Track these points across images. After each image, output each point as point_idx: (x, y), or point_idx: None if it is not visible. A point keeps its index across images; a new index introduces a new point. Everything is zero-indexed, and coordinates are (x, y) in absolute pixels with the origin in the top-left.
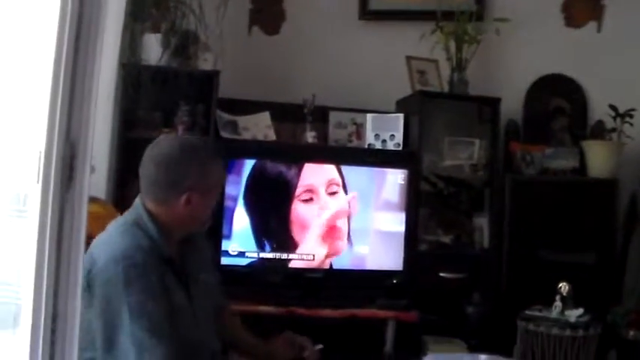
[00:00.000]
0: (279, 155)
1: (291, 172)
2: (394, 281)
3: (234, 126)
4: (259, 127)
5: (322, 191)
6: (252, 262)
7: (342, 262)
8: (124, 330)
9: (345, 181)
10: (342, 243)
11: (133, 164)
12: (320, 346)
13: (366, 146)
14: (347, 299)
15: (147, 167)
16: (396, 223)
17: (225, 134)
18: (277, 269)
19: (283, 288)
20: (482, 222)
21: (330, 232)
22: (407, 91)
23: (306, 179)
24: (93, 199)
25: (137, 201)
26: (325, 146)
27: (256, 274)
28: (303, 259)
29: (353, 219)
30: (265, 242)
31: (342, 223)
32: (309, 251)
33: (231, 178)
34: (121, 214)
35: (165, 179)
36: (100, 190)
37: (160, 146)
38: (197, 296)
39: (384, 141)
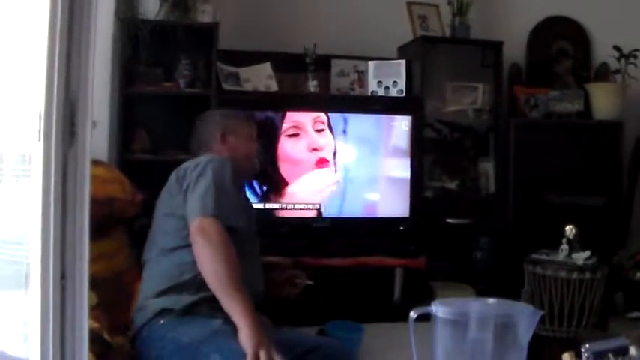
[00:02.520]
0: (281, 105)
1: (278, 115)
2: (401, 228)
3: (235, 78)
4: (260, 77)
5: (309, 128)
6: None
7: (348, 210)
8: (203, 183)
9: (330, 122)
10: (331, 176)
11: (135, 119)
12: (310, 282)
13: (369, 94)
14: (354, 247)
15: (196, 130)
16: (401, 170)
17: (226, 86)
18: (283, 220)
19: (290, 238)
20: (487, 167)
21: (320, 165)
22: (408, 37)
23: (292, 118)
24: (96, 162)
25: (213, 153)
26: (328, 95)
27: (262, 226)
28: (309, 209)
29: (355, 166)
30: (260, 188)
31: (330, 158)
32: (299, 189)
33: None
34: (126, 176)
35: (207, 130)
36: (102, 148)
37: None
38: (252, 221)
39: (386, 88)
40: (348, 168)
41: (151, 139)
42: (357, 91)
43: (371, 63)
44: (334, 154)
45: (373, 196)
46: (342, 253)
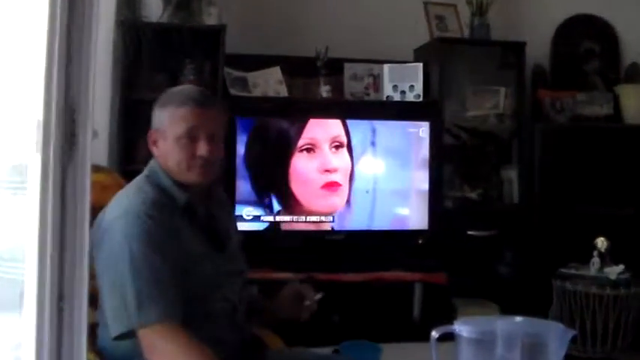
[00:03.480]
0: (291, 112)
1: (294, 127)
2: (420, 241)
3: (243, 83)
4: (270, 82)
5: (325, 146)
6: (267, 226)
7: (363, 223)
8: (125, 281)
9: (351, 138)
10: (340, 200)
11: (136, 128)
12: (319, 295)
13: (384, 98)
14: (370, 262)
15: None
16: (419, 179)
17: (234, 92)
18: (295, 233)
19: (302, 252)
20: (510, 175)
21: (329, 188)
22: (425, 39)
23: (310, 133)
24: (97, 168)
25: (152, 159)
26: (341, 100)
27: (273, 239)
28: (322, 222)
29: (370, 175)
30: (267, 201)
31: (343, 181)
32: (307, 205)
33: (243, 138)
34: (128, 182)
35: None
36: (102, 157)
37: None
38: (227, 250)
39: (402, 92)
40: (361, 178)
41: None
42: (372, 96)
43: (386, 66)
44: (350, 176)
45: (389, 208)
46: (357, 268)
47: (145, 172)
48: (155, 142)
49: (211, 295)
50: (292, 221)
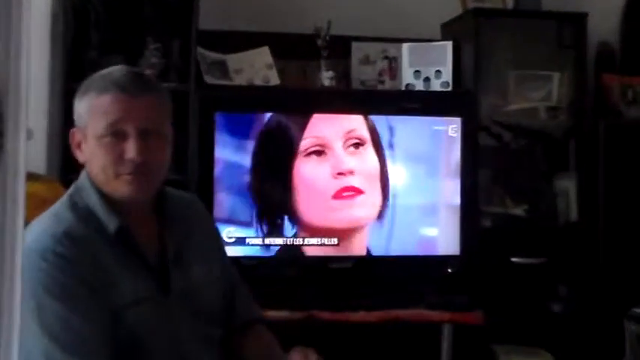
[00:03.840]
0: (284, 105)
1: (294, 125)
2: (449, 270)
3: (222, 68)
4: (256, 67)
5: (338, 145)
6: (256, 252)
7: (377, 247)
8: (35, 346)
9: (379, 134)
10: (364, 211)
11: None
12: None
13: (403, 88)
14: (386, 297)
15: None
16: (448, 190)
17: (210, 79)
18: (291, 259)
19: (301, 284)
20: (567, 186)
21: (343, 195)
22: (456, 11)
23: (315, 130)
24: (34, 177)
25: (84, 170)
26: (348, 90)
27: (263, 268)
28: (324, 245)
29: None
30: (265, 221)
31: (368, 190)
32: (318, 223)
33: (224, 139)
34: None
35: None
36: (40, 163)
37: None
38: (181, 293)
39: (426, 79)
40: None
41: None
42: (387, 85)
43: (405, 46)
44: (382, 181)
45: (410, 227)
46: (368, 304)
47: (72, 188)
48: (79, 145)
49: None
50: (287, 244)
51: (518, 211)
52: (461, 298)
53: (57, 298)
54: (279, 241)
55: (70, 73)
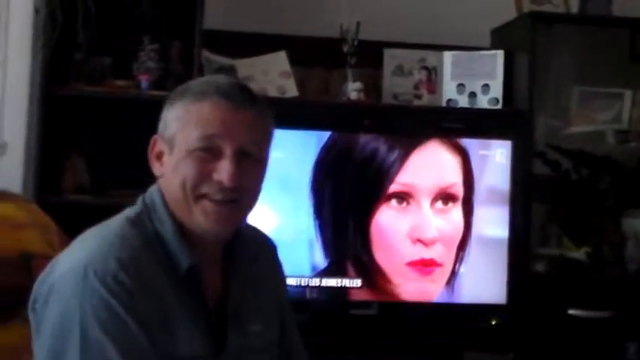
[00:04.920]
0: (302, 120)
1: (384, 165)
2: (493, 322)
3: (230, 74)
4: (271, 75)
5: (424, 199)
6: None
7: (407, 291)
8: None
9: (473, 185)
10: (436, 286)
11: (67, 139)
12: None
13: (444, 104)
14: (416, 352)
15: None
16: (494, 226)
17: None
18: (303, 303)
19: (313, 333)
20: (638, 225)
21: (420, 269)
22: (509, 14)
23: (404, 176)
24: (6, 196)
25: (154, 186)
26: (378, 105)
27: None
28: (344, 287)
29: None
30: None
31: (446, 260)
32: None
33: None
34: (50, 215)
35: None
36: (15, 181)
37: None
38: (234, 355)
39: (472, 95)
40: None
41: (92, 172)
42: (425, 100)
43: (447, 55)
44: (460, 247)
45: (447, 269)
46: (395, 359)
47: (138, 205)
48: (159, 156)
49: None
50: (299, 285)
51: (579, 254)
52: (506, 356)
53: (109, 334)
54: (292, 281)
55: (53, 78)
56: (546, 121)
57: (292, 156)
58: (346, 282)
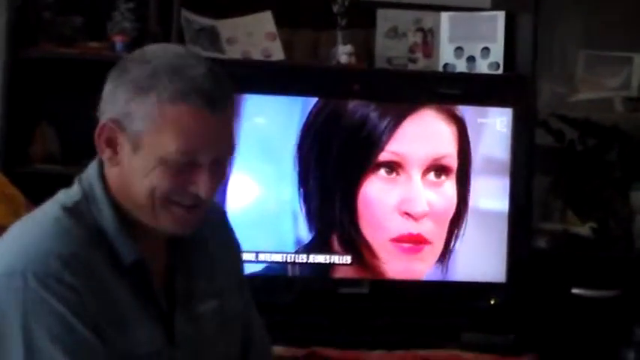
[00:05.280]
0: (289, 86)
1: (375, 128)
2: (491, 302)
3: (212, 36)
4: (255, 37)
5: (415, 170)
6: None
7: (399, 268)
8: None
9: (470, 157)
10: (424, 265)
11: (35, 106)
12: None
13: (440, 69)
14: (410, 333)
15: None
16: (493, 200)
17: (197, 50)
18: (291, 281)
19: (299, 313)
20: None
21: (407, 246)
22: None
23: (395, 144)
24: None
25: (92, 166)
26: (370, 70)
27: (254, 290)
28: (333, 264)
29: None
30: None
31: (436, 238)
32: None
33: None
34: (18, 186)
35: (101, 104)
36: None
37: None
38: (187, 340)
39: (470, 59)
40: None
41: (62, 140)
42: (421, 64)
43: (444, 16)
44: (453, 222)
45: (437, 246)
46: (388, 342)
47: (74, 191)
48: (112, 143)
49: None
50: (286, 262)
51: (584, 230)
52: (506, 337)
53: (57, 342)
54: (277, 257)
55: (20, 39)
56: (550, 87)
57: (276, 123)
58: (335, 258)
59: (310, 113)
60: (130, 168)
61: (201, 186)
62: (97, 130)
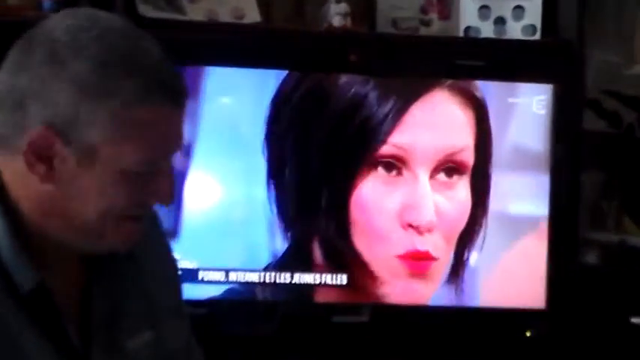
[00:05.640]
0: (266, 57)
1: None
2: (527, 334)
3: None
4: None
5: (420, 167)
6: (212, 293)
7: (409, 290)
8: None
9: (490, 152)
10: (429, 287)
11: None
12: None
13: (461, 33)
14: None
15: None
16: (527, 202)
17: (149, 11)
18: (271, 307)
19: (279, 345)
20: None
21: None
22: None
23: (397, 137)
24: None
25: None
26: (371, 36)
27: (221, 319)
28: (324, 284)
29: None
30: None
31: (443, 254)
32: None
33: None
34: None
35: (16, 97)
36: None
37: (42, 26)
38: None
39: (499, 21)
40: None
41: None
42: (436, 28)
43: None
44: (465, 236)
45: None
46: None
47: None
48: (47, 156)
49: None
50: (262, 283)
51: None
52: None
53: None
54: (253, 276)
55: None
56: (602, 56)
57: (248, 105)
58: (326, 278)
59: (286, 90)
60: (76, 187)
61: (163, 195)
62: (32, 140)
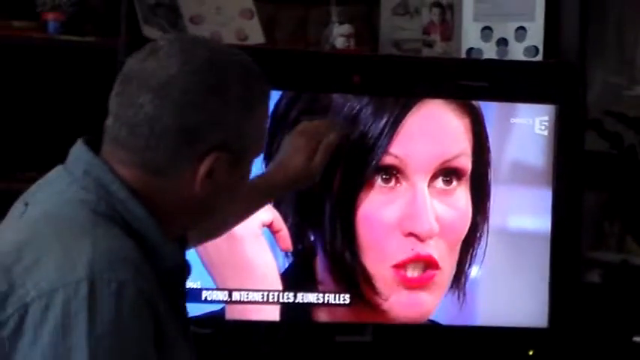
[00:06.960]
0: (270, 78)
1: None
2: (530, 353)
3: (171, 14)
4: (227, 15)
5: (418, 177)
6: (216, 310)
7: (413, 309)
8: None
9: (489, 157)
10: (432, 300)
11: None
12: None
13: (463, 55)
14: None
15: (132, 99)
16: (532, 218)
17: (151, 32)
18: (274, 327)
19: None
20: None
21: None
22: None
23: (399, 144)
24: None
25: (95, 163)
26: (372, 57)
27: (225, 339)
28: (326, 303)
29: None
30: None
31: (446, 262)
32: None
33: None
34: None
35: (175, 126)
36: None
37: (164, 58)
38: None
39: (502, 42)
40: None
41: None
42: (438, 49)
43: None
44: (468, 242)
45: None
46: None
47: (87, 191)
48: (211, 172)
49: None
50: (263, 300)
51: None
52: None
53: (137, 342)
54: (256, 295)
55: None
56: (604, 77)
57: None
58: (329, 297)
59: (285, 109)
60: (226, 185)
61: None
62: (203, 172)
